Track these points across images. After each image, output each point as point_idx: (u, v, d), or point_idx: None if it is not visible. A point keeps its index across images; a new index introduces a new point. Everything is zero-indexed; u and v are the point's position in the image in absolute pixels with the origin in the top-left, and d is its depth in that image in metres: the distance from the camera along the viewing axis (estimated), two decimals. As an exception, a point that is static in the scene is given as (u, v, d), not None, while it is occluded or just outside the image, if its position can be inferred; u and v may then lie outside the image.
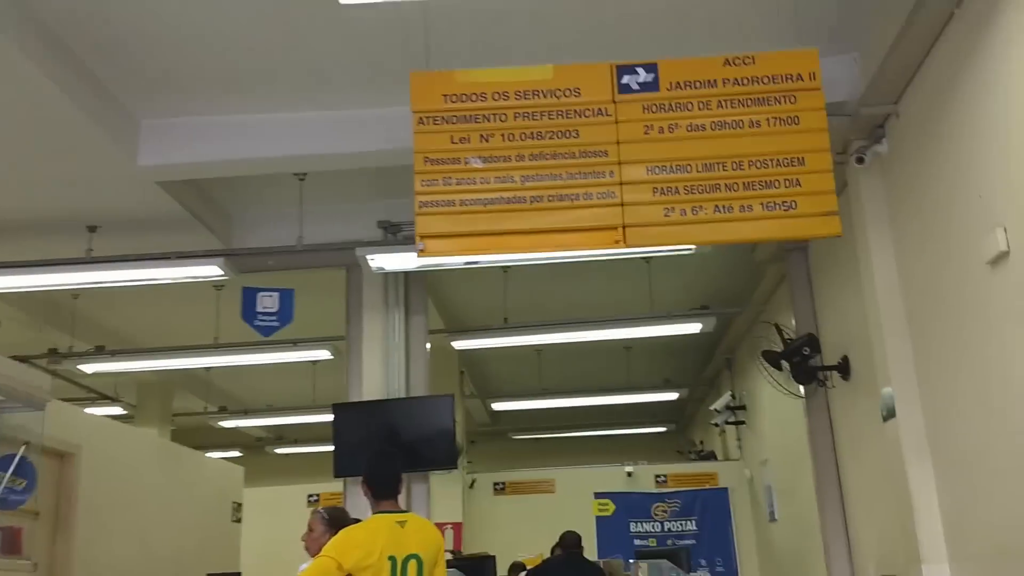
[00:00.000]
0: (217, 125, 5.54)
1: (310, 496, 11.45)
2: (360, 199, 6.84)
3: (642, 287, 8.28)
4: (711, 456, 11.22)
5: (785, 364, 6.02)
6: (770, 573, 8.97)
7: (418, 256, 3.07)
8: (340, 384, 6.71)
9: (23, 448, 4.83)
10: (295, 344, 8.49)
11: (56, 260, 6.15)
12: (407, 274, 6.97)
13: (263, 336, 6.20)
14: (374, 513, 3.67)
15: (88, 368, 8.85)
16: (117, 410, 11.21)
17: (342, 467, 6.44)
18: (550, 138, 3.24)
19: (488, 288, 8.56)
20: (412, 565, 3.59)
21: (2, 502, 4.69)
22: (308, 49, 4.90)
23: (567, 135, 3.25)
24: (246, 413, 12.27)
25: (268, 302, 6.22)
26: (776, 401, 8.51)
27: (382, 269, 6.11)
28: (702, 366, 11.69)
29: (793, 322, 6.39)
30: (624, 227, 3.14)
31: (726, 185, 3.22)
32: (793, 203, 3.24)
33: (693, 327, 8.18)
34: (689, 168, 3.24)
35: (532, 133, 3.24)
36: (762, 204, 3.21)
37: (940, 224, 4.33)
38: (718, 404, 10.29)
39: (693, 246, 5.78)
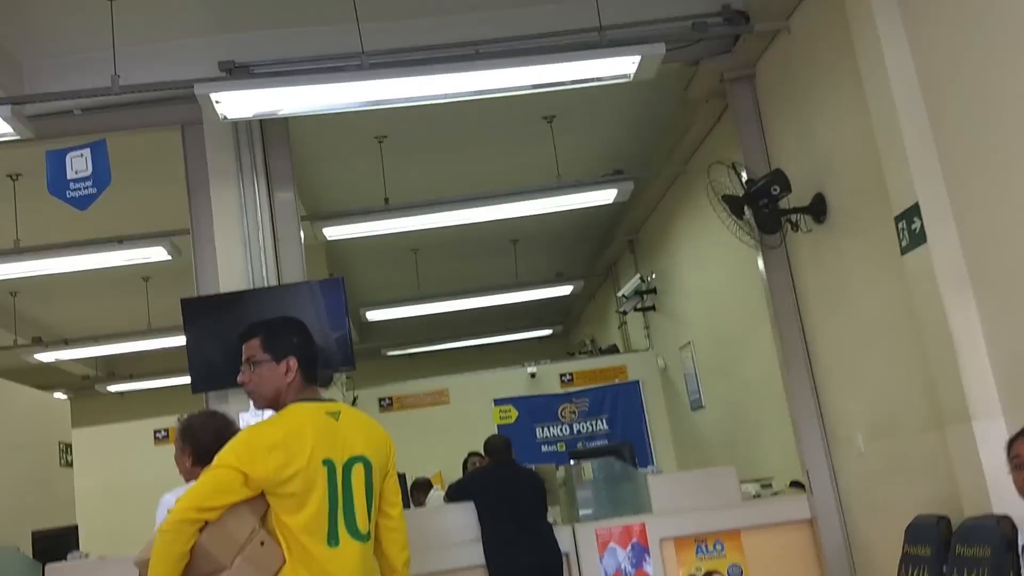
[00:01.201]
0: None
1: (157, 432, 9.74)
2: (192, 34, 5.25)
3: (543, 155, 7.05)
4: (613, 350, 10.31)
5: (748, 210, 4.99)
6: (693, 465, 8.19)
7: None
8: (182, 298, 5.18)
9: None
10: (120, 242, 6.75)
11: None
12: (264, 133, 5.48)
13: (79, 209, 4.56)
14: (292, 403, 2.32)
15: None
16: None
17: (200, 380, 5.00)
18: None
19: (361, 167, 7.12)
20: (358, 472, 2.28)
21: None
22: None
23: None
24: (66, 344, 10.23)
25: (79, 164, 4.58)
26: (701, 275, 7.61)
27: (226, 117, 4.56)
28: (595, 255, 10.70)
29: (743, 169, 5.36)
30: None
31: None
32: None
33: (606, 195, 7.03)
34: None
35: None
36: None
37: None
38: (626, 290, 9.32)
39: (632, 72, 4.59)
